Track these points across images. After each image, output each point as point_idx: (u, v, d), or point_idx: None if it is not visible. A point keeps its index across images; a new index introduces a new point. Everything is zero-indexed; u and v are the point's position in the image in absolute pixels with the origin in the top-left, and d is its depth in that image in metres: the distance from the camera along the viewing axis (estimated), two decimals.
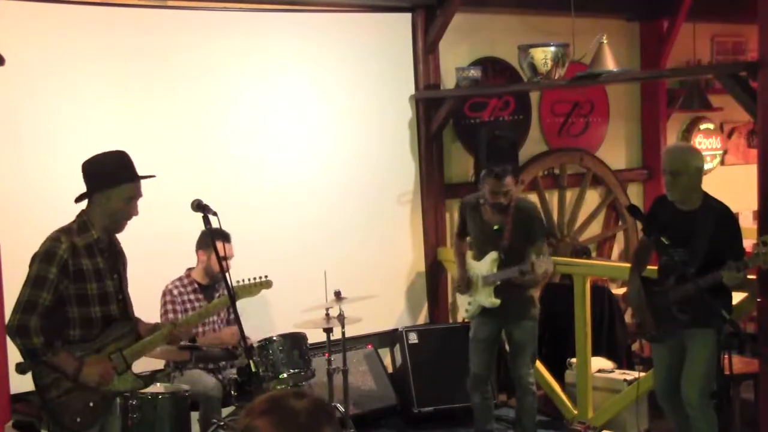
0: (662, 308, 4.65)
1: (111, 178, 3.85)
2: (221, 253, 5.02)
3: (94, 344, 3.86)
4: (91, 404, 3.83)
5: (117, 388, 3.93)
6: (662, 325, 4.69)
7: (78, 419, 3.80)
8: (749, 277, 4.82)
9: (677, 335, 4.66)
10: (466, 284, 5.40)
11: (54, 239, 3.80)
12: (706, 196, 4.61)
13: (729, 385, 4.98)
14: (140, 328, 4.09)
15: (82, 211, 3.92)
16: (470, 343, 5.49)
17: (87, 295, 3.82)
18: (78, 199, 3.91)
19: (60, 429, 3.81)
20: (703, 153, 8.26)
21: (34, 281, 3.75)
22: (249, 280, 4.51)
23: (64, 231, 3.83)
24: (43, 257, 3.76)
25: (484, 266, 5.32)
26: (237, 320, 4.08)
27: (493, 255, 5.27)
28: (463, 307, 5.52)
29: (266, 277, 4.56)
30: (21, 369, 3.84)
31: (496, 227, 5.25)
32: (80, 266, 3.80)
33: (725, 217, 4.54)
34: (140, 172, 3.97)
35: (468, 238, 5.55)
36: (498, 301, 5.27)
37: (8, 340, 4.16)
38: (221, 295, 5.29)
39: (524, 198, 5.76)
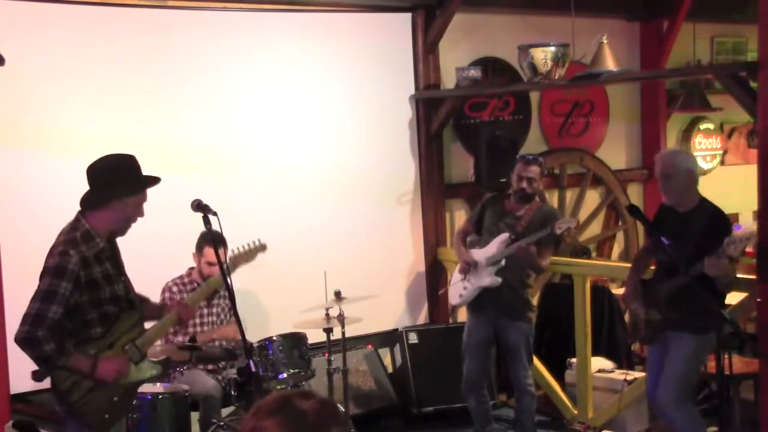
0: (653, 305, 4.71)
1: (133, 186, 3.89)
2: (212, 259, 5.07)
3: (106, 340, 3.87)
4: (116, 399, 3.86)
5: (137, 378, 3.96)
6: (651, 324, 4.72)
7: (106, 416, 3.83)
8: (749, 276, 4.82)
9: (662, 337, 4.70)
10: (473, 264, 5.35)
11: (62, 254, 3.76)
12: (703, 200, 4.67)
13: (729, 385, 5.00)
14: (146, 310, 4.13)
15: (81, 216, 3.88)
16: (463, 347, 5.47)
17: (100, 299, 3.85)
18: (90, 206, 3.90)
19: (90, 429, 3.83)
20: (703, 153, 8.37)
21: (43, 295, 3.73)
22: (243, 247, 4.48)
23: (70, 243, 3.79)
24: (54, 273, 3.74)
25: (491, 249, 5.28)
26: (237, 320, 4.08)
27: (503, 236, 5.23)
28: (457, 293, 5.47)
29: (260, 240, 4.54)
30: (37, 377, 3.85)
31: (515, 214, 5.26)
32: (92, 275, 3.82)
33: (717, 218, 4.59)
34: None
35: (470, 237, 5.54)
36: (499, 279, 5.22)
37: (8, 340, 4.16)
38: (222, 296, 5.31)
39: (552, 207, 5.77)
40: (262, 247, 4.57)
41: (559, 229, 5.05)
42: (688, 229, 4.56)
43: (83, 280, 3.78)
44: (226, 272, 4.06)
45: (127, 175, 3.90)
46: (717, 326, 4.04)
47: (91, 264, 3.81)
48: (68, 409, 3.82)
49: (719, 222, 4.58)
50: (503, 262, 5.23)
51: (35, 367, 3.87)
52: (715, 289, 4.46)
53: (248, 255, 4.51)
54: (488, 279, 5.27)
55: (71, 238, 3.82)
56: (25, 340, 3.70)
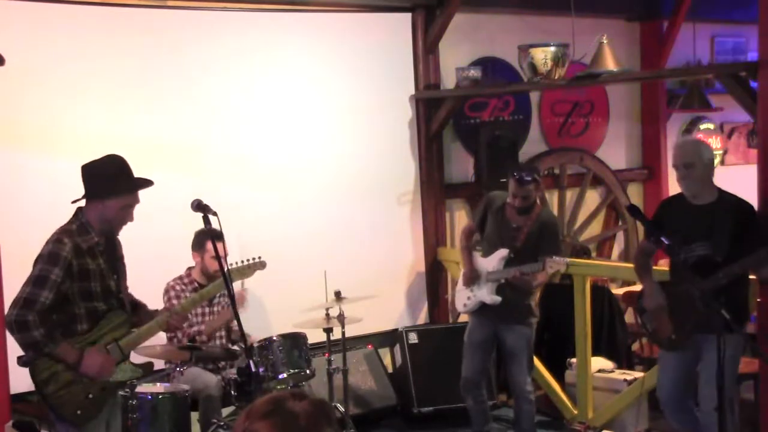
0: (684, 308, 4.52)
1: (109, 188, 3.91)
2: (215, 253, 5.03)
3: (90, 336, 3.89)
4: (91, 396, 3.87)
5: (116, 378, 3.97)
6: (681, 327, 4.57)
7: (79, 412, 3.85)
8: (750, 276, 4.81)
9: (692, 340, 4.53)
10: (475, 277, 5.37)
11: (57, 241, 3.84)
12: (721, 191, 4.58)
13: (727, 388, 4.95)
14: (141, 315, 4.15)
15: (80, 210, 3.97)
16: (464, 345, 5.48)
17: (91, 292, 3.88)
18: (75, 202, 3.97)
19: (62, 423, 3.84)
20: None
21: (35, 280, 3.79)
22: (243, 262, 4.50)
23: (66, 232, 3.87)
24: (47, 259, 3.81)
25: (491, 262, 5.30)
26: (237, 319, 4.08)
27: (502, 252, 5.24)
28: (462, 301, 5.47)
29: (260, 258, 4.54)
30: (23, 362, 3.86)
31: (515, 226, 5.25)
32: (85, 266, 3.86)
33: (743, 209, 4.50)
34: (140, 173, 4.01)
35: (476, 237, 5.54)
36: (499, 298, 5.24)
37: (8, 339, 4.15)
38: (221, 295, 5.30)
39: (550, 212, 5.74)
40: (261, 265, 4.56)
41: (550, 268, 5.02)
42: (716, 223, 4.45)
43: (75, 269, 3.82)
44: (225, 267, 4.06)
45: (107, 178, 3.92)
46: (719, 328, 4.01)
47: (84, 255, 3.86)
48: (44, 399, 3.83)
49: (747, 211, 4.50)
50: (503, 280, 5.25)
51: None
52: (744, 285, 4.43)
53: (245, 270, 4.50)
54: (488, 297, 5.29)
55: (67, 228, 3.90)
56: (14, 324, 3.73)
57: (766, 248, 4.28)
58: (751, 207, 4.55)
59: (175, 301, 5.17)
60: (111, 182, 3.91)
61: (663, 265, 5.70)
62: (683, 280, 4.59)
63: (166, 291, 5.24)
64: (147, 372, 4.16)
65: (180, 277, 5.31)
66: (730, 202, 4.53)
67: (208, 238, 4.97)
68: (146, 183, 4.01)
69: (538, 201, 5.35)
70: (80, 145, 5.30)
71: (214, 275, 5.17)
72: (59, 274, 3.77)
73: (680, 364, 4.67)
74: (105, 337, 3.93)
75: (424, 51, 6.69)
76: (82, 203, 3.99)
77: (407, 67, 6.68)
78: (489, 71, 6.85)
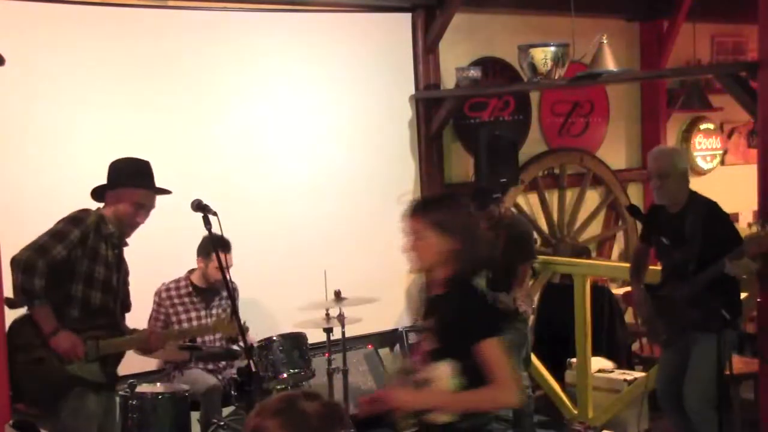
0: (669, 310, 4.61)
1: (123, 180, 4.03)
2: (218, 264, 4.99)
3: (76, 324, 3.94)
4: (49, 383, 3.91)
5: (79, 374, 3.98)
6: (671, 328, 4.63)
7: (35, 396, 3.91)
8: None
9: (684, 338, 4.60)
10: None
11: (81, 211, 3.98)
12: (692, 194, 4.60)
13: (729, 386, 4.98)
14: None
15: (99, 208, 4.10)
16: None
17: (93, 278, 3.94)
18: (93, 193, 4.08)
19: (19, 396, 3.88)
20: (703, 153, 8.37)
21: (55, 233, 3.88)
22: (228, 321, 4.37)
23: (89, 211, 4.02)
24: (70, 220, 3.93)
25: None
26: (238, 323, 4.09)
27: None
28: None
29: (245, 322, 4.30)
30: (10, 303, 3.87)
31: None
32: (97, 247, 3.94)
33: (712, 211, 4.52)
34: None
35: None
36: None
37: (7, 339, 4.14)
38: (222, 298, 5.29)
39: (518, 216, 5.76)
40: (245, 330, 4.25)
41: (501, 303, 5.15)
42: (687, 229, 4.50)
43: (89, 244, 3.91)
44: (227, 276, 4.07)
45: (124, 171, 4.05)
46: (718, 327, 4.03)
47: (100, 238, 3.95)
48: (11, 366, 3.81)
49: (715, 214, 4.52)
50: None
51: None
52: (733, 282, 4.43)
53: (225, 327, 4.39)
54: None
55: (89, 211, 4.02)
56: (23, 263, 3.77)
57: (722, 260, 4.28)
58: (719, 209, 4.55)
59: (155, 306, 5.18)
60: (126, 176, 4.05)
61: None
62: (667, 283, 4.65)
63: (157, 293, 5.23)
64: (110, 381, 4.16)
65: (176, 280, 5.29)
66: (698, 205, 4.55)
67: (217, 247, 4.87)
68: (163, 190, 4.14)
69: (501, 211, 5.42)
70: (81, 145, 5.31)
71: (214, 283, 5.18)
72: (77, 235, 3.87)
73: (673, 361, 4.71)
74: (86, 333, 3.96)
75: (424, 51, 6.68)
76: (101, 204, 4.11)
77: (407, 67, 6.68)
78: (489, 71, 6.86)
